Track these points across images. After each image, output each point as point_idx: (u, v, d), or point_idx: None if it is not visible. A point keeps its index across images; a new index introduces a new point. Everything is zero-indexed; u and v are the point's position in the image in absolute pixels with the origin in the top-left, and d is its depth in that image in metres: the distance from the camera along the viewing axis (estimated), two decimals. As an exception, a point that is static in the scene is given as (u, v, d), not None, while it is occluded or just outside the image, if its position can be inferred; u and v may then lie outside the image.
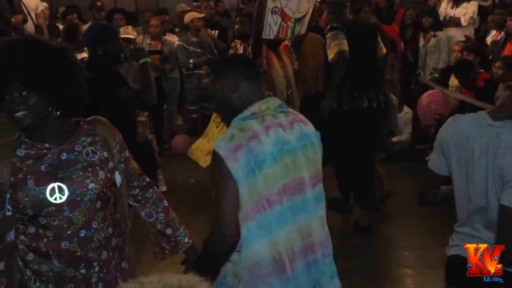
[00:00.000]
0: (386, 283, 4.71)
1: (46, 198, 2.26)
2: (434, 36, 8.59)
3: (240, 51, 6.04)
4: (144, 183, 2.66)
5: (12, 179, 2.27)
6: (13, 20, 8.07)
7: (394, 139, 8.10)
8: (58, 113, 2.29)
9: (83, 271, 2.35)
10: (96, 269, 2.38)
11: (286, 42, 5.36)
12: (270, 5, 4.67)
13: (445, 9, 8.99)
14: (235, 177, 2.35)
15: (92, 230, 2.35)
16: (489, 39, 8.25)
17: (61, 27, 9.35)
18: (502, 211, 2.42)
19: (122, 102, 3.99)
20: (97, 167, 2.36)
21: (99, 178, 2.35)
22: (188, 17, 8.01)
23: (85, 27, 8.30)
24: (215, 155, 2.40)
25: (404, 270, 4.93)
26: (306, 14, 4.94)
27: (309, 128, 2.61)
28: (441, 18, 8.92)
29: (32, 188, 2.27)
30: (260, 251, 2.39)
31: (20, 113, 2.21)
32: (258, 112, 2.48)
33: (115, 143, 2.46)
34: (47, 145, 2.32)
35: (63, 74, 2.27)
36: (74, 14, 8.43)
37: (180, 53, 7.61)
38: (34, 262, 2.34)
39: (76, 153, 2.35)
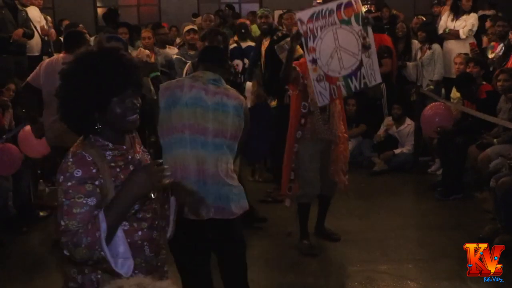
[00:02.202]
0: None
1: (148, 195, 2.44)
2: (429, 48, 8.69)
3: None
4: None
5: (112, 179, 2.40)
6: (14, 36, 8.10)
7: (397, 151, 8.09)
8: None
9: (158, 258, 2.62)
10: (163, 252, 2.68)
11: None
12: (313, 76, 4.87)
13: (445, 22, 9.02)
14: (160, 106, 3.58)
15: (162, 219, 2.68)
16: (489, 52, 8.26)
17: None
18: None
19: (148, 113, 4.04)
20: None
21: None
22: (185, 29, 8.09)
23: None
24: None
25: (408, 282, 4.88)
26: (360, 66, 5.03)
27: (230, 101, 3.77)
28: (441, 31, 8.97)
29: None
30: (167, 161, 3.42)
31: (135, 116, 2.47)
32: (195, 76, 3.85)
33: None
34: (124, 147, 2.53)
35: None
36: (81, 25, 8.46)
37: (177, 66, 7.59)
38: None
39: (141, 153, 2.64)
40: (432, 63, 8.68)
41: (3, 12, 8.22)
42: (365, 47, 5.02)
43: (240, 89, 6.15)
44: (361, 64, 5.00)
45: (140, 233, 2.49)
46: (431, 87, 8.39)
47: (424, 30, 9.05)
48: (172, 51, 8.18)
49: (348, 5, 4.96)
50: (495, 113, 6.53)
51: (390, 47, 9.10)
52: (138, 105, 2.47)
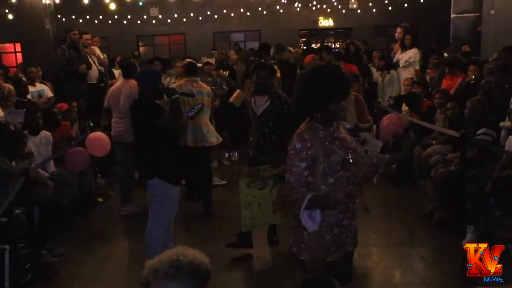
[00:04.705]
0: (358, 259, 4.61)
1: (347, 158, 2.72)
2: (388, 73, 8.71)
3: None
4: None
5: (323, 149, 2.67)
6: (80, 69, 8.18)
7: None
8: None
9: (352, 204, 2.83)
10: (357, 201, 2.87)
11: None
12: None
13: (396, 54, 9.11)
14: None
15: (358, 179, 2.80)
16: (427, 78, 8.32)
17: (116, 72, 9.40)
18: None
19: (161, 126, 3.99)
20: (352, 142, 2.86)
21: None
22: (203, 61, 8.18)
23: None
24: None
25: (371, 248, 4.88)
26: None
27: (204, 89, 5.89)
28: (395, 60, 9.02)
29: (340, 153, 2.70)
30: None
31: (342, 113, 2.81)
32: (186, 79, 5.87)
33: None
34: (332, 129, 2.77)
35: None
36: (137, 61, 8.48)
37: None
38: None
39: (343, 134, 2.82)
40: (391, 84, 8.72)
41: (70, 52, 8.26)
42: (362, 144, 4.44)
43: None
44: (366, 152, 4.38)
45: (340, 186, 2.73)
46: (391, 101, 8.39)
47: (384, 60, 9.10)
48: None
49: None
50: (433, 122, 6.53)
51: (357, 74, 9.07)
52: (344, 106, 2.79)
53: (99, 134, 6.44)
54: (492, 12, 9.01)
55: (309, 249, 2.73)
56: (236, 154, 8.12)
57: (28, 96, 7.22)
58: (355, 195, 2.85)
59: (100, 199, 6.64)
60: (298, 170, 2.65)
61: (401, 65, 8.76)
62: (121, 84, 6.13)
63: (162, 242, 4.15)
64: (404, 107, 7.62)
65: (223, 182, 6.92)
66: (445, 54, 8.98)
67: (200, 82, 5.98)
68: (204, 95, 5.81)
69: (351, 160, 2.73)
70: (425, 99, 7.15)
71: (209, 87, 6.15)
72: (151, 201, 4.22)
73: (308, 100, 2.69)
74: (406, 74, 8.64)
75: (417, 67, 8.80)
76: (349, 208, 2.80)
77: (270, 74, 4.75)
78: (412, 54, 8.75)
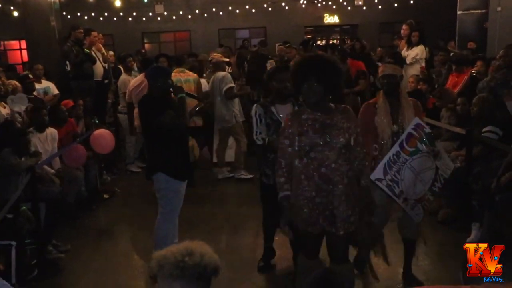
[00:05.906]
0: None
1: (318, 141, 3.00)
2: None
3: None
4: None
5: (299, 129, 3.02)
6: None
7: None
8: (330, 98, 3.11)
9: (330, 186, 3.03)
10: (340, 186, 3.04)
11: None
12: (407, 208, 3.84)
13: (403, 50, 9.06)
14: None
15: (338, 165, 3.03)
16: (433, 75, 8.29)
17: (121, 68, 9.43)
18: None
19: (162, 123, 3.99)
20: (343, 130, 3.04)
21: (345, 136, 3.04)
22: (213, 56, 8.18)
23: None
24: None
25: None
26: (437, 171, 3.88)
27: (191, 77, 6.64)
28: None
29: (311, 135, 3.00)
30: None
31: (314, 97, 3.03)
32: (176, 71, 6.26)
33: (354, 124, 3.12)
34: (319, 114, 3.06)
35: (335, 77, 3.06)
36: (130, 58, 8.47)
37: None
38: (304, 180, 3.04)
39: (333, 121, 3.05)
40: None
41: (76, 48, 8.32)
42: (435, 156, 3.83)
43: None
44: (436, 169, 3.86)
45: (312, 166, 3.00)
46: (396, 101, 8.36)
47: (393, 56, 8.77)
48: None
49: (409, 137, 3.75)
50: (439, 119, 6.53)
51: (365, 71, 9.06)
52: (317, 90, 2.99)
53: (103, 131, 6.48)
54: (499, 8, 8.97)
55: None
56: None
57: (34, 93, 7.27)
58: (337, 180, 3.02)
59: (106, 196, 6.68)
60: (282, 147, 3.06)
61: (408, 62, 8.73)
62: (141, 79, 6.30)
63: (171, 236, 4.19)
64: (410, 104, 7.61)
65: (250, 176, 6.96)
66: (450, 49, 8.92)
67: (187, 71, 6.80)
68: (191, 82, 6.66)
69: (321, 142, 2.98)
70: (430, 96, 7.13)
71: (195, 74, 6.94)
72: (158, 196, 4.26)
73: (293, 87, 3.17)
74: (413, 71, 8.59)
75: (423, 64, 8.77)
76: (322, 188, 3.02)
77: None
78: (419, 51, 8.69)
